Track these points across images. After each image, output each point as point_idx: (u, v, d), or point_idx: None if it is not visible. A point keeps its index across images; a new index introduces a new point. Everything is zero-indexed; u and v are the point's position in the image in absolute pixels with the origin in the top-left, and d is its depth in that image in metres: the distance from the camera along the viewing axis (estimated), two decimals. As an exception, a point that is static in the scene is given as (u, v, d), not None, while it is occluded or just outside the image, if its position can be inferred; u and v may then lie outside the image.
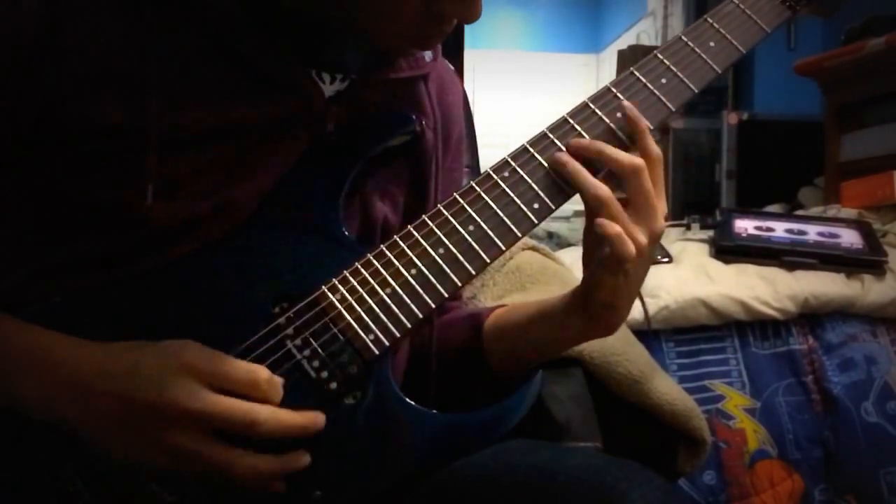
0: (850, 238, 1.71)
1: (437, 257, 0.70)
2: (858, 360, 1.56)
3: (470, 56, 3.44)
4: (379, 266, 0.69)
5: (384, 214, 0.78)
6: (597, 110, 0.74)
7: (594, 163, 0.72)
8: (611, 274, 0.71)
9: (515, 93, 5.84)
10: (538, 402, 0.76)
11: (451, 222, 0.70)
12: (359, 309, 0.68)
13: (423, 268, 0.69)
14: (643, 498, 0.62)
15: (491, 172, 0.72)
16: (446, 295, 0.69)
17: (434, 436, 0.70)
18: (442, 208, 0.71)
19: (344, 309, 0.68)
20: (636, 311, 1.40)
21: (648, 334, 1.47)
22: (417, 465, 0.71)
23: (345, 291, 0.68)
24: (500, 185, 0.72)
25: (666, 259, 1.69)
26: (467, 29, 0.79)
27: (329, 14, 0.71)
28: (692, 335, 1.58)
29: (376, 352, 0.68)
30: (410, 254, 0.70)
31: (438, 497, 0.71)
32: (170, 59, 0.68)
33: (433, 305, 0.69)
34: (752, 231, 1.73)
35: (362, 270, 0.69)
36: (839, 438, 1.52)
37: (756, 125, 2.85)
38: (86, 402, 0.62)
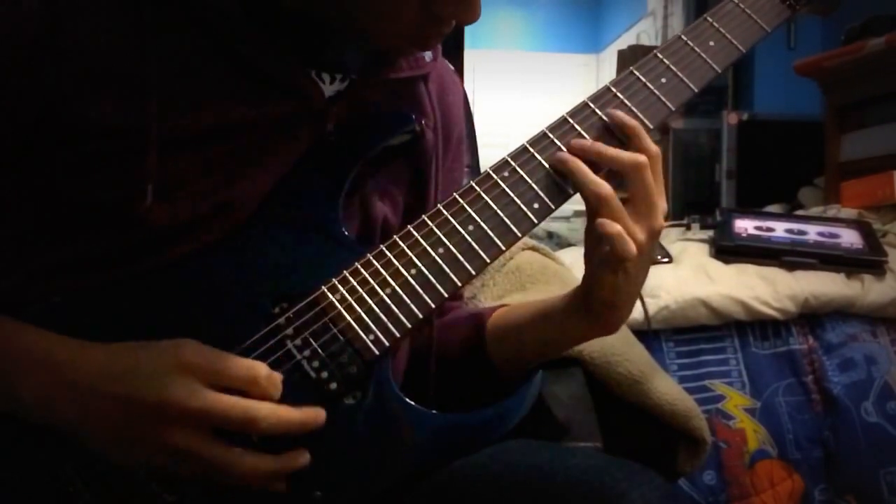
0: (850, 238, 1.71)
1: (436, 257, 0.70)
2: (858, 360, 1.56)
3: (470, 56, 3.44)
4: (379, 266, 0.69)
5: (384, 214, 0.78)
6: (597, 110, 0.74)
7: (595, 163, 0.72)
8: (611, 272, 0.72)
9: (515, 93, 5.84)
10: (538, 402, 0.76)
11: (450, 222, 0.70)
12: (359, 309, 0.68)
13: (422, 268, 0.69)
14: (643, 498, 0.62)
15: (491, 172, 0.72)
16: (446, 295, 0.69)
17: (434, 436, 0.70)
18: (442, 208, 0.71)
19: (344, 309, 0.68)
20: (636, 311, 1.39)
21: (648, 334, 1.47)
22: (417, 465, 0.71)
23: (345, 291, 0.68)
24: (500, 185, 0.72)
25: (666, 259, 1.69)
26: (467, 29, 0.79)
27: (329, 14, 0.71)
28: (692, 335, 1.58)
29: (376, 352, 0.68)
30: (410, 254, 0.70)
31: (438, 497, 0.71)
32: (170, 59, 0.68)
33: (433, 305, 0.69)
34: (752, 231, 1.73)
35: (362, 270, 0.69)
36: (839, 438, 1.52)
37: (756, 125, 2.85)
38: (85, 404, 0.62)
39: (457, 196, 0.71)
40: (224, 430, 0.62)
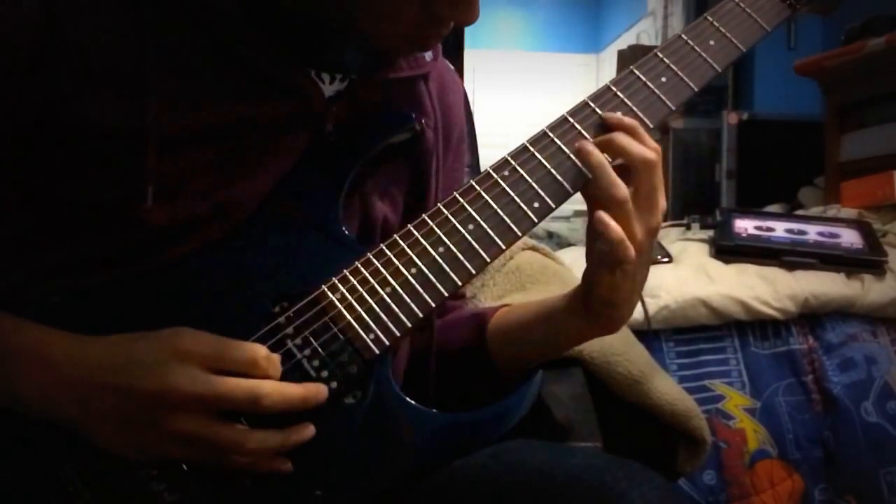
0: (850, 238, 1.71)
1: (437, 256, 0.69)
2: (858, 359, 1.56)
3: (470, 56, 3.44)
4: (379, 265, 0.69)
5: (384, 214, 0.78)
6: (597, 109, 0.74)
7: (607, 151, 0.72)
8: (609, 271, 0.72)
9: (515, 93, 5.84)
10: (538, 401, 0.76)
11: (450, 221, 0.70)
12: (359, 308, 0.68)
13: (423, 267, 0.69)
14: (643, 497, 0.62)
15: (491, 171, 0.72)
16: (446, 294, 0.69)
17: (434, 435, 0.70)
18: (442, 207, 0.71)
19: (344, 308, 0.68)
20: (636, 311, 1.39)
21: (648, 334, 1.47)
22: (417, 465, 0.71)
23: (345, 291, 0.68)
24: (500, 184, 0.72)
25: (666, 259, 1.69)
26: (467, 29, 0.79)
27: (329, 14, 0.70)
28: (692, 335, 1.58)
29: (376, 351, 0.68)
30: (410, 253, 0.69)
31: (438, 497, 0.71)
32: (169, 60, 0.68)
33: (433, 304, 0.69)
34: (752, 231, 1.73)
35: (362, 269, 0.69)
36: (839, 438, 1.52)
37: (756, 125, 2.85)
38: (86, 399, 0.62)
39: (457, 195, 0.71)
40: (228, 414, 0.62)
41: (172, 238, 0.68)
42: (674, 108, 0.76)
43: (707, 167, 2.97)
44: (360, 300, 0.68)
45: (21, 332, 0.64)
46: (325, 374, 0.67)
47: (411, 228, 0.70)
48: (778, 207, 2.42)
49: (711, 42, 0.78)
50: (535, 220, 0.72)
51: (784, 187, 2.51)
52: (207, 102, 0.69)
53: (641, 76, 0.76)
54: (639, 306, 1.39)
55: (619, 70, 3.54)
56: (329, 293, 0.68)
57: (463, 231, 0.70)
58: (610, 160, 0.72)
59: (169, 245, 0.68)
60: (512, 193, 0.71)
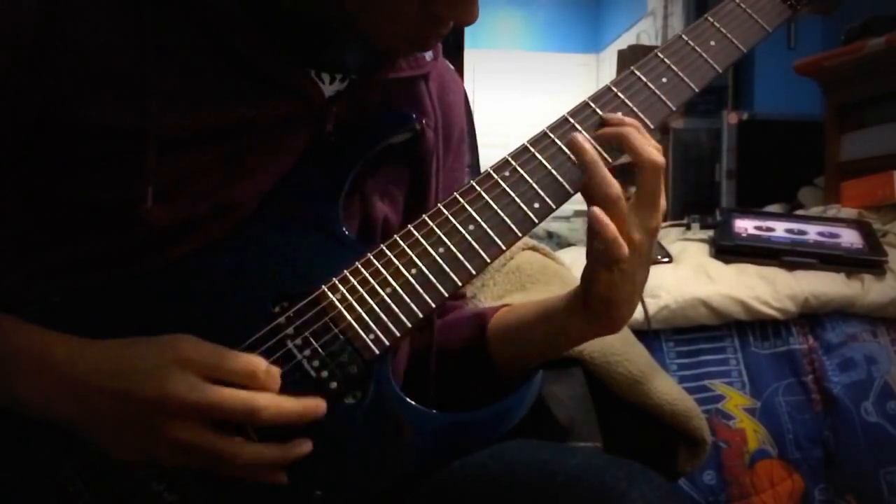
0: (850, 238, 1.71)
1: (437, 257, 0.69)
2: (858, 359, 1.56)
3: (470, 56, 3.44)
4: (379, 265, 0.69)
5: (384, 214, 0.78)
6: (597, 109, 0.74)
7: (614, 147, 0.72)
8: (606, 269, 0.72)
9: (515, 93, 5.84)
10: (538, 402, 0.76)
11: (451, 222, 0.70)
12: (359, 308, 0.68)
13: (423, 267, 0.69)
14: (643, 498, 0.62)
15: (491, 172, 0.72)
16: (446, 294, 0.69)
17: (434, 435, 0.70)
18: (442, 207, 0.71)
19: (344, 308, 0.68)
20: (636, 311, 1.40)
21: (648, 334, 1.47)
22: (417, 465, 0.71)
23: (345, 291, 0.68)
24: (501, 185, 0.72)
25: (666, 259, 1.69)
26: (467, 29, 0.79)
27: (328, 14, 0.70)
28: (692, 335, 1.58)
29: (377, 351, 0.68)
30: (411, 253, 0.69)
31: (438, 497, 0.71)
32: (169, 60, 0.68)
33: (433, 305, 0.69)
34: (752, 231, 1.73)
35: (362, 270, 0.69)
36: (839, 438, 1.52)
37: (756, 125, 2.85)
38: (85, 401, 0.62)
39: (457, 195, 0.71)
40: (225, 424, 0.62)
41: (172, 238, 0.68)
42: (674, 108, 0.76)
43: (707, 167, 2.97)
44: (361, 300, 0.68)
45: (21, 334, 0.64)
46: (325, 374, 0.67)
47: (411, 229, 0.70)
48: (778, 207, 2.42)
49: (712, 42, 0.78)
50: (536, 220, 0.72)
51: (784, 187, 2.51)
52: (207, 102, 0.69)
53: (642, 77, 0.76)
54: (639, 306, 1.39)
55: (619, 70, 3.54)
56: (329, 293, 0.68)
57: (463, 231, 0.70)
58: (610, 160, 0.72)
59: (169, 245, 0.68)
60: (512, 194, 0.71)
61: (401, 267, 0.69)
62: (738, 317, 1.57)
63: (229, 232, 0.70)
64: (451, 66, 0.91)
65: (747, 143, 2.81)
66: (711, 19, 0.79)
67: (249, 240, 0.71)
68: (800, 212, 2.22)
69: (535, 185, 0.72)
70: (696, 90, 0.77)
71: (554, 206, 0.72)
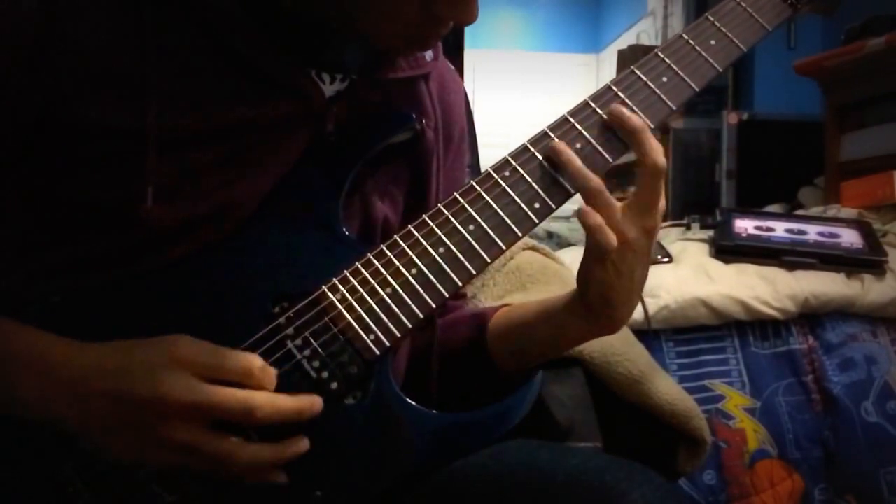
0: (850, 238, 1.70)
1: (437, 257, 0.69)
2: (858, 359, 1.56)
3: (470, 56, 3.44)
4: (379, 266, 0.69)
5: (384, 214, 0.78)
6: (598, 109, 0.74)
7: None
8: (598, 265, 0.72)
9: (515, 93, 5.84)
10: (538, 402, 0.76)
11: (451, 222, 0.70)
12: (359, 309, 0.68)
13: (423, 267, 0.69)
14: (643, 498, 0.62)
15: (491, 171, 0.72)
16: (447, 294, 0.69)
17: (434, 436, 0.70)
18: (442, 207, 0.71)
19: (344, 309, 0.68)
20: (636, 311, 1.40)
21: (648, 334, 1.47)
22: (418, 465, 0.70)
23: (345, 291, 0.68)
24: (501, 185, 0.72)
25: (666, 259, 1.69)
26: (467, 29, 0.79)
27: (328, 14, 0.70)
28: (692, 335, 1.58)
29: (377, 352, 0.68)
30: (411, 253, 0.69)
31: (438, 497, 0.71)
32: (169, 60, 0.68)
33: (434, 305, 0.69)
34: (752, 231, 1.73)
35: (363, 270, 0.69)
36: (839, 438, 1.52)
37: (756, 125, 2.84)
38: (82, 402, 0.62)
39: (457, 196, 0.71)
40: (222, 424, 0.62)
41: (173, 238, 0.68)
42: (675, 107, 0.76)
43: (707, 167, 2.97)
44: (361, 301, 0.68)
45: (20, 336, 0.64)
46: (325, 374, 0.67)
47: (412, 229, 0.70)
48: (778, 207, 2.42)
49: (712, 42, 0.78)
50: (536, 220, 0.72)
51: (784, 187, 2.51)
52: (207, 102, 0.69)
53: (642, 76, 0.76)
54: (639, 306, 1.39)
55: (619, 70, 3.54)
56: (329, 294, 0.68)
57: (463, 231, 0.70)
58: (611, 159, 0.72)
59: (169, 245, 0.68)
60: (512, 194, 0.71)
61: (401, 267, 0.69)
62: (738, 317, 1.56)
63: (229, 232, 0.70)
64: (452, 66, 0.91)
65: (747, 143, 2.81)
66: (712, 18, 0.79)
67: (249, 240, 0.71)
68: (800, 212, 2.22)
69: (535, 184, 0.72)
70: (697, 89, 0.77)
71: (554, 206, 0.72)
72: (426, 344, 0.83)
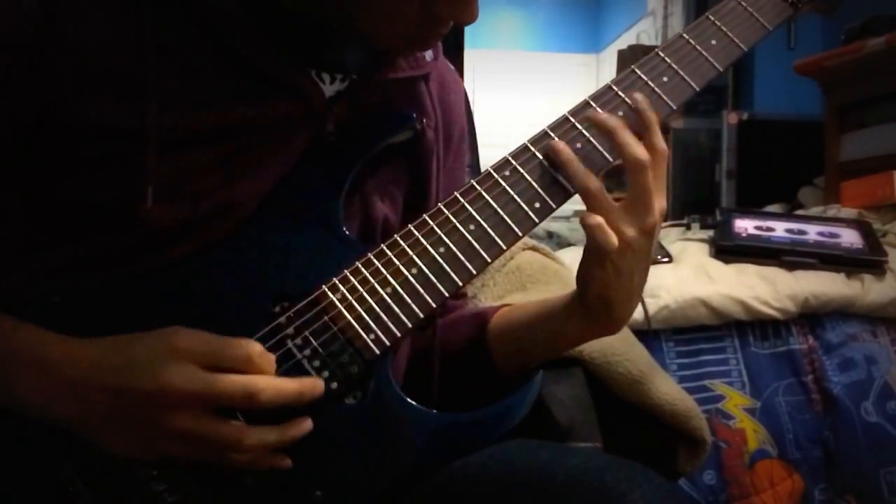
0: (850, 238, 1.71)
1: (437, 256, 0.69)
2: (858, 359, 1.56)
3: (470, 56, 3.44)
4: (379, 265, 0.69)
5: (384, 214, 0.78)
6: (598, 109, 0.74)
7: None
8: (598, 266, 0.72)
9: (515, 93, 5.84)
10: (538, 402, 0.76)
11: (451, 221, 0.70)
12: (359, 308, 0.68)
13: (423, 267, 0.69)
14: (644, 498, 0.62)
15: (492, 171, 0.72)
16: (447, 294, 0.69)
17: (434, 435, 0.70)
18: (443, 207, 0.71)
19: (344, 308, 0.68)
20: (636, 311, 1.40)
21: (648, 334, 1.47)
22: (418, 465, 0.70)
23: (345, 291, 0.68)
24: (501, 185, 0.72)
25: (666, 259, 1.69)
26: (467, 29, 0.79)
27: (328, 14, 0.70)
28: (692, 335, 1.58)
29: (377, 351, 0.68)
30: (411, 253, 0.69)
31: (438, 497, 0.71)
32: (169, 60, 0.68)
33: (434, 305, 0.69)
34: (752, 231, 1.73)
35: (363, 269, 0.69)
36: (839, 438, 1.52)
37: (756, 125, 2.84)
38: (84, 400, 0.62)
39: (458, 195, 0.71)
40: (226, 413, 0.63)
41: (173, 238, 0.68)
42: (675, 107, 0.76)
43: (707, 167, 2.97)
44: (361, 300, 0.68)
45: (19, 334, 0.64)
46: (325, 374, 0.67)
47: (412, 228, 0.70)
48: (778, 207, 2.42)
49: (713, 41, 0.78)
50: (536, 220, 0.72)
51: (784, 187, 2.51)
52: (208, 102, 0.69)
53: (643, 75, 0.76)
54: (639, 306, 1.39)
55: (619, 70, 3.54)
56: (329, 293, 0.68)
57: (464, 231, 0.70)
58: (611, 159, 0.72)
59: (169, 245, 0.68)
60: (513, 193, 0.71)
61: (401, 266, 0.69)
62: (738, 317, 1.56)
63: (229, 232, 0.70)
64: (452, 66, 0.91)
65: (747, 143, 2.81)
66: (712, 18, 0.79)
67: (249, 240, 0.71)
68: (800, 212, 2.22)
69: (535, 184, 0.72)
70: (697, 89, 0.77)
71: (554, 206, 0.72)
72: (426, 344, 0.82)
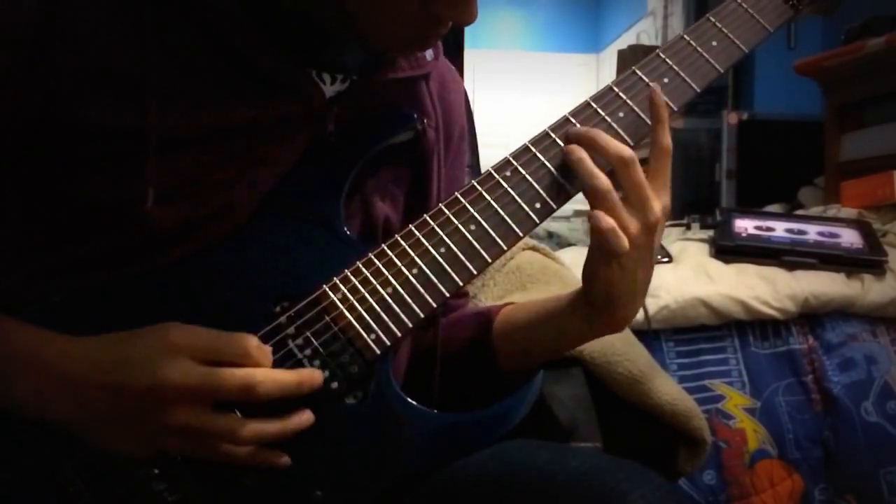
0: (850, 238, 1.71)
1: (438, 256, 0.69)
2: (858, 359, 1.56)
3: (470, 56, 3.44)
4: (380, 265, 0.69)
5: (385, 214, 0.78)
6: (599, 110, 0.74)
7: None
8: (604, 264, 0.72)
9: (515, 93, 5.84)
10: (539, 402, 0.76)
11: (452, 222, 0.70)
12: (360, 308, 0.68)
13: (424, 267, 0.69)
14: (644, 498, 0.62)
15: (492, 172, 0.72)
16: (447, 294, 0.69)
17: (434, 435, 0.70)
18: (443, 207, 0.71)
19: (345, 308, 0.68)
20: (636, 311, 1.40)
21: (648, 334, 1.47)
22: (418, 465, 0.71)
23: (346, 290, 0.68)
24: (502, 185, 0.72)
25: (666, 259, 1.69)
26: (467, 29, 0.79)
27: (328, 14, 0.70)
28: (692, 335, 1.58)
29: (377, 351, 0.68)
30: (412, 253, 0.69)
31: (438, 497, 0.71)
32: (169, 60, 0.68)
33: (434, 304, 0.69)
34: (752, 231, 1.73)
35: (363, 269, 0.69)
36: (839, 438, 1.52)
37: (756, 125, 2.84)
38: (79, 397, 0.62)
39: (458, 196, 0.71)
40: (225, 407, 0.63)
41: (173, 239, 0.68)
42: (676, 108, 0.76)
43: (707, 167, 2.97)
44: (362, 300, 0.68)
45: (18, 334, 0.64)
46: (326, 374, 0.67)
47: (413, 228, 0.70)
48: (778, 207, 2.42)
49: (714, 43, 0.78)
50: (537, 220, 0.72)
51: (784, 187, 2.51)
52: (208, 103, 0.69)
53: (644, 77, 0.76)
54: (639, 306, 1.39)
55: (619, 70, 3.54)
56: (330, 293, 0.68)
57: (464, 231, 0.70)
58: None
59: (170, 245, 0.68)
60: (513, 194, 0.71)
61: (402, 266, 0.69)
62: (738, 317, 1.57)
63: (230, 232, 0.70)
64: (452, 66, 0.91)
65: (747, 143, 2.81)
66: (713, 19, 0.79)
67: (250, 240, 0.71)
68: (800, 212, 2.22)
69: (536, 184, 0.72)
70: (698, 90, 0.77)
71: (555, 207, 0.72)
72: (428, 343, 0.82)
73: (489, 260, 0.70)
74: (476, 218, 0.70)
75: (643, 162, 0.71)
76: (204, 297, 0.69)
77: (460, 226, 0.70)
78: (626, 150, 0.70)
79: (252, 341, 0.63)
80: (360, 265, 0.69)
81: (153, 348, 0.62)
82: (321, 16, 0.71)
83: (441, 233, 0.70)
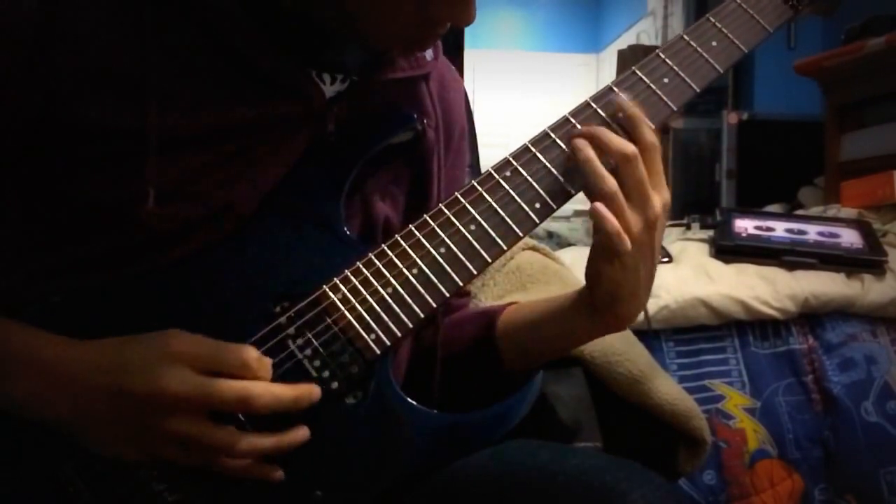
0: (850, 238, 1.71)
1: (438, 256, 0.69)
2: (858, 359, 1.56)
3: (470, 56, 3.43)
4: (380, 265, 0.69)
5: (385, 214, 0.78)
6: (599, 110, 0.74)
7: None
8: (607, 262, 0.72)
9: (515, 93, 5.84)
10: (539, 402, 0.76)
11: (452, 222, 0.70)
12: (360, 308, 0.68)
13: (424, 267, 0.69)
14: (644, 498, 0.62)
15: (493, 172, 0.72)
16: (447, 294, 0.69)
17: (434, 435, 0.70)
18: (443, 207, 0.71)
19: (345, 308, 0.68)
20: (636, 311, 1.40)
21: (648, 334, 1.47)
22: (418, 465, 0.71)
23: (346, 291, 0.68)
24: (502, 185, 0.72)
25: (666, 259, 1.69)
26: (467, 29, 0.79)
27: (328, 14, 0.70)
28: (692, 335, 1.58)
29: (378, 351, 0.68)
30: (412, 253, 0.69)
31: (438, 497, 0.71)
32: (169, 60, 0.68)
33: (434, 305, 0.69)
34: (752, 231, 1.73)
35: (364, 270, 0.69)
36: (839, 438, 1.52)
37: (756, 125, 2.84)
38: (77, 400, 0.62)
39: (458, 196, 0.71)
40: (222, 418, 0.62)
41: (173, 239, 0.68)
42: (676, 108, 0.76)
43: (707, 167, 2.97)
44: (362, 300, 0.68)
45: (18, 336, 0.64)
46: (326, 374, 0.67)
47: (413, 229, 0.70)
48: (778, 207, 2.42)
49: (713, 43, 0.78)
50: (537, 220, 0.72)
51: (784, 187, 2.51)
52: (208, 103, 0.69)
53: (643, 77, 0.76)
54: (639, 306, 1.39)
55: (619, 70, 3.54)
56: (330, 293, 0.68)
57: (464, 231, 0.70)
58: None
59: (170, 246, 0.68)
60: (513, 194, 0.71)
61: (402, 267, 0.69)
62: (738, 317, 1.57)
63: (230, 232, 0.70)
64: (452, 66, 0.91)
65: (747, 143, 2.81)
66: (713, 19, 0.79)
67: (250, 240, 0.71)
68: (800, 212, 2.22)
69: (536, 185, 0.72)
70: (698, 90, 0.77)
71: (555, 207, 0.72)
72: (428, 343, 0.83)
73: (489, 260, 0.70)
74: (476, 218, 0.71)
75: None
76: (204, 297, 0.69)
77: (460, 226, 0.70)
78: (629, 147, 0.70)
79: (252, 353, 0.63)
80: (361, 265, 0.69)
81: (153, 354, 0.62)
82: (321, 16, 0.71)
83: (441, 233, 0.70)
